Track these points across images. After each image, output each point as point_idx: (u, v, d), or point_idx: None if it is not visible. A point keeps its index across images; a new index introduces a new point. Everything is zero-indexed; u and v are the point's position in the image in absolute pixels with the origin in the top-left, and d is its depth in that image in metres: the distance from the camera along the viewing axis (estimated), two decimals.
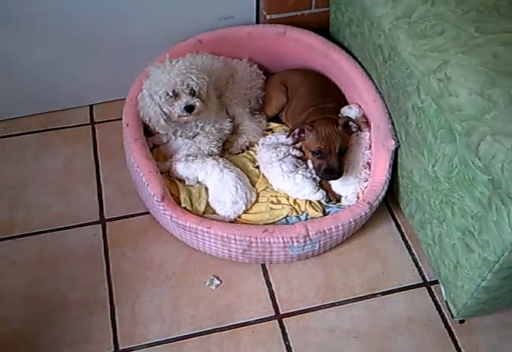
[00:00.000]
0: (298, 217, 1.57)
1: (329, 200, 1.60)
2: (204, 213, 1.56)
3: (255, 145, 1.72)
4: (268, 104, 1.81)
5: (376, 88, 1.60)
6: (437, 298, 1.51)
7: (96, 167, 1.79)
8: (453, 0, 1.27)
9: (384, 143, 1.53)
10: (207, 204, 1.58)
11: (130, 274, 1.55)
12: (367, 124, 1.63)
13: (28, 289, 1.52)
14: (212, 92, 1.63)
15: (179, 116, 1.56)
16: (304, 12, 1.82)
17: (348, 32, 1.69)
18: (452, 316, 1.43)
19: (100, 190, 1.74)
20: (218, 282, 1.53)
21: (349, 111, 1.65)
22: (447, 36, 1.18)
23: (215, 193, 1.58)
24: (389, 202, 1.69)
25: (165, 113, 1.57)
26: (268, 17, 1.81)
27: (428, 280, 1.55)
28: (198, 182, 1.63)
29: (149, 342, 1.43)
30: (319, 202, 1.60)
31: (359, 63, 1.67)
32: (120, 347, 1.42)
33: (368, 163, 1.60)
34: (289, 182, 1.59)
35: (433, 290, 1.53)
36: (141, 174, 1.53)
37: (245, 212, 1.57)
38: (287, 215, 1.57)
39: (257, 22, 1.88)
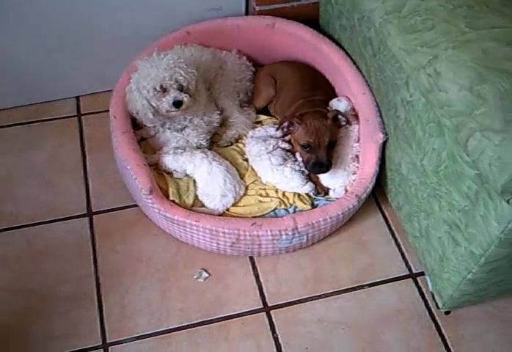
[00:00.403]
0: (286, 210, 1.58)
1: (318, 193, 1.61)
2: (192, 206, 1.56)
3: (244, 138, 1.72)
4: (256, 96, 1.80)
5: (366, 81, 1.60)
6: (423, 289, 1.53)
7: (83, 159, 1.78)
8: None
9: (373, 136, 1.53)
10: (196, 197, 1.58)
11: (118, 267, 1.55)
12: (356, 117, 1.63)
13: (15, 282, 1.51)
14: (201, 86, 1.62)
15: (167, 111, 1.55)
16: (294, 4, 1.81)
17: (338, 25, 1.68)
18: (438, 307, 1.45)
19: (88, 182, 1.72)
20: (206, 275, 1.54)
21: (338, 104, 1.65)
22: (438, 31, 1.18)
23: (204, 186, 1.58)
24: (377, 194, 1.70)
25: (153, 106, 1.56)
26: (257, 8, 1.80)
27: (415, 272, 1.56)
28: (186, 175, 1.62)
29: (137, 335, 1.43)
30: (307, 194, 1.61)
31: (349, 56, 1.67)
32: (108, 340, 1.42)
33: (357, 156, 1.60)
34: (278, 174, 1.59)
35: (419, 281, 1.55)
36: (128, 167, 1.52)
37: (234, 205, 1.57)
38: (276, 208, 1.57)
39: (247, 13, 1.87)
